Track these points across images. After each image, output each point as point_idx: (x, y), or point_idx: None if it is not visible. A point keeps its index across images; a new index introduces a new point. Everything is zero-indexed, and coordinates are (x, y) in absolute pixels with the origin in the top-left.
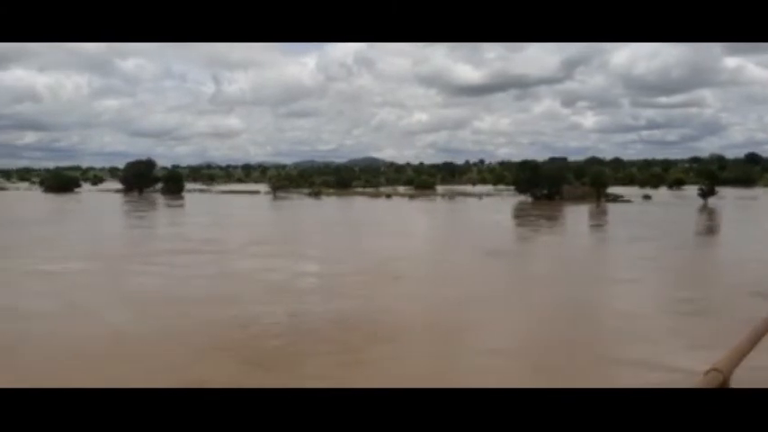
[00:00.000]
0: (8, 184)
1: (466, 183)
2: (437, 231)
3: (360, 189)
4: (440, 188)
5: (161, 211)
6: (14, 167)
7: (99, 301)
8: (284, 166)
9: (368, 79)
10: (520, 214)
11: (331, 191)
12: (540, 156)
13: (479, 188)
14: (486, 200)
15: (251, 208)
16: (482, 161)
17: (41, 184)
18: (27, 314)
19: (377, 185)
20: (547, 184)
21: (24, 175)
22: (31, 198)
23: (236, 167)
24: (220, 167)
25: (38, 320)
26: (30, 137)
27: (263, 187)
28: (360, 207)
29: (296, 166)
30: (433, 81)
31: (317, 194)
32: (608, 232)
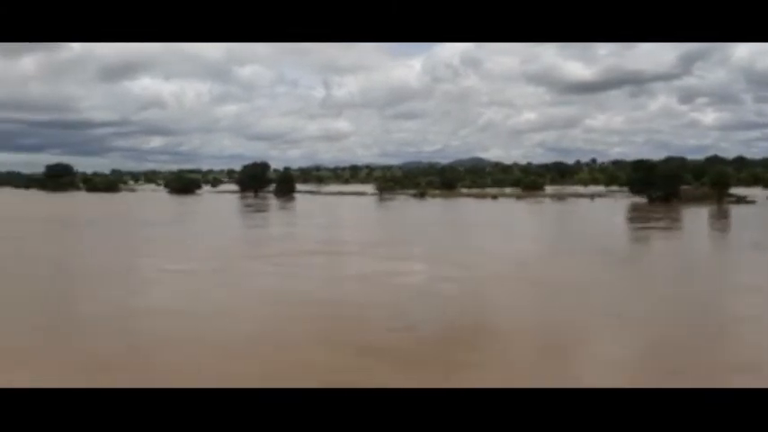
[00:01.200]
0: (136, 186)
1: (576, 183)
2: (554, 234)
3: (465, 190)
4: (549, 189)
5: (277, 212)
6: (142, 170)
7: (245, 302)
8: (390, 167)
9: (474, 79)
10: (636, 216)
11: (436, 192)
12: (656, 155)
13: (591, 189)
14: (598, 201)
15: (360, 209)
16: (594, 161)
17: (166, 185)
18: (177, 314)
19: (482, 186)
20: (663, 185)
21: (150, 177)
22: (157, 199)
23: (343, 169)
24: (329, 169)
25: (185, 320)
26: (155, 141)
27: (369, 188)
28: (468, 208)
29: (402, 167)
30: (541, 79)
31: (422, 195)
32: (733, 236)
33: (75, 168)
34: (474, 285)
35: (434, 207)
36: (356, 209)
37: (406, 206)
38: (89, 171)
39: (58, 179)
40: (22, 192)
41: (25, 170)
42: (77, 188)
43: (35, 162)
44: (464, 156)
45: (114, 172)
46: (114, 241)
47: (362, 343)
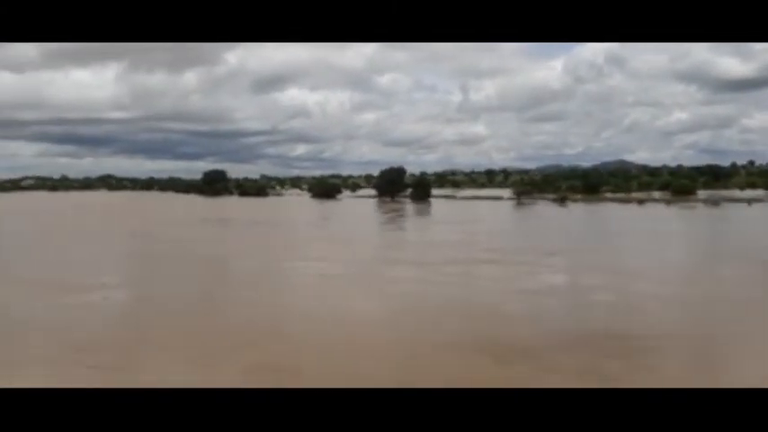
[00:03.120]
0: (283, 191)
1: (732, 187)
2: (715, 243)
3: (609, 194)
4: (701, 193)
5: (415, 217)
6: (288, 176)
7: (439, 312)
8: (528, 171)
9: (619, 78)
10: None
11: (577, 196)
12: None
13: (748, 193)
14: (756, 206)
15: (498, 214)
16: (752, 163)
17: (309, 190)
18: (342, 321)
19: (628, 190)
20: None
21: (295, 182)
22: (301, 203)
23: (479, 173)
24: (465, 173)
25: (351, 327)
26: (301, 149)
27: (506, 192)
28: (614, 213)
29: (540, 170)
30: (692, 77)
31: (562, 200)
32: None
33: (228, 174)
34: (666, 303)
35: (578, 212)
36: (495, 213)
37: (546, 211)
38: (241, 177)
39: (213, 184)
40: (182, 196)
41: (185, 176)
42: (230, 193)
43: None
44: (608, 158)
45: (263, 177)
46: (266, 243)
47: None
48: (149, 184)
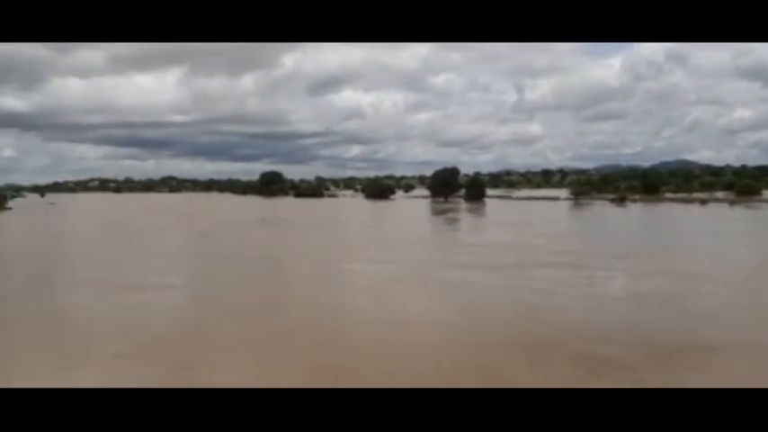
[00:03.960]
0: (337, 192)
1: None
2: None
3: (669, 194)
4: (766, 193)
5: (470, 217)
6: (341, 177)
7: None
8: (585, 171)
9: (680, 76)
10: None
11: (636, 197)
12: None
13: None
14: None
15: (560, 215)
16: None
17: (363, 191)
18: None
19: (689, 190)
20: None
21: (349, 183)
22: (356, 204)
23: (535, 173)
24: (519, 173)
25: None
26: (355, 150)
27: (562, 193)
28: (679, 214)
29: (597, 170)
30: (757, 74)
31: (621, 200)
32: None
33: (284, 176)
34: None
35: (638, 213)
36: (552, 214)
37: (606, 212)
38: (296, 178)
39: (270, 186)
40: (240, 197)
41: (243, 177)
42: (286, 194)
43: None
44: (668, 158)
45: (318, 179)
46: (323, 243)
47: None
48: (209, 186)
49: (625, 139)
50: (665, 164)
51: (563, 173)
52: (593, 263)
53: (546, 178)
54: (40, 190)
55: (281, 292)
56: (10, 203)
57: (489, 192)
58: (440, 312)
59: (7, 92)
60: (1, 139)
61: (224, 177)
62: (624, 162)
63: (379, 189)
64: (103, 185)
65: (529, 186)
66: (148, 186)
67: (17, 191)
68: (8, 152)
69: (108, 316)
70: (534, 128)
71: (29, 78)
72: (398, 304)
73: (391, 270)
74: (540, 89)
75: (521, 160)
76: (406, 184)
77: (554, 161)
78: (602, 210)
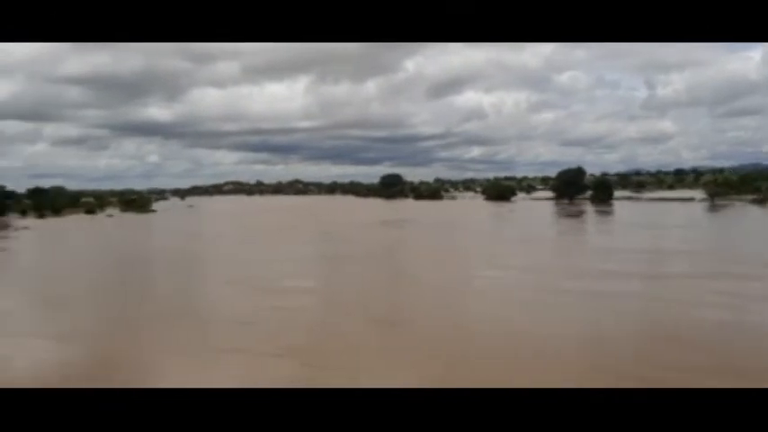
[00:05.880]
0: (456, 194)
1: None
2: None
3: None
4: None
5: (603, 220)
6: (460, 179)
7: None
8: (721, 170)
9: None
10: None
11: None
12: None
13: None
14: None
15: (697, 217)
16: None
17: (483, 192)
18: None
19: None
20: None
21: (469, 185)
22: (477, 206)
23: (666, 173)
24: (650, 173)
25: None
26: (475, 151)
27: (697, 193)
28: None
29: (735, 169)
30: None
31: (762, 201)
32: None
33: (404, 178)
34: None
35: None
36: (689, 216)
37: (748, 214)
38: (415, 180)
39: (390, 188)
40: (361, 199)
41: (364, 180)
42: (406, 196)
43: (372, 173)
44: None
45: (437, 180)
46: (444, 247)
47: None
48: (332, 188)
49: (767, 136)
50: None
51: (697, 172)
52: (756, 272)
53: (678, 178)
54: (181, 193)
55: (413, 298)
56: (154, 206)
57: (617, 193)
58: (608, 332)
59: (153, 103)
60: (146, 146)
61: (346, 180)
62: (766, 161)
63: (499, 190)
64: (236, 189)
65: (660, 187)
66: (277, 189)
67: (160, 194)
68: (153, 158)
69: (253, 318)
70: (666, 125)
71: (171, 90)
72: (555, 319)
73: (527, 278)
74: (673, 84)
75: (651, 159)
76: (528, 186)
77: (687, 160)
78: (743, 211)
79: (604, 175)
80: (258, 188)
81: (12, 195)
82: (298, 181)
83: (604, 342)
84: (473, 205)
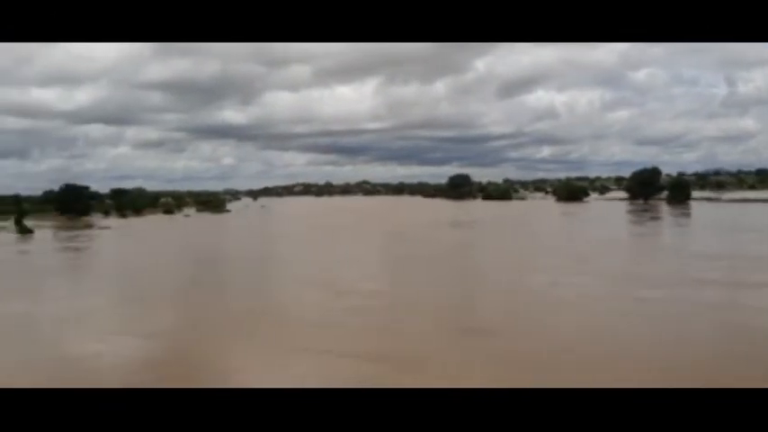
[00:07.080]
0: (526, 194)
1: None
2: None
3: None
4: None
5: (683, 223)
6: (531, 179)
7: None
8: None
9: None
10: None
11: None
12: None
13: None
14: None
15: None
16: None
17: (553, 193)
18: None
19: None
20: None
21: (539, 185)
22: (547, 207)
23: (747, 173)
24: (730, 173)
25: None
26: (545, 151)
27: None
28: None
29: None
30: None
31: None
32: None
33: (472, 178)
34: None
35: None
36: None
37: None
38: (484, 180)
39: (458, 188)
40: (429, 200)
41: (431, 180)
42: (474, 196)
43: (439, 173)
44: None
45: (506, 181)
46: (514, 250)
47: None
48: (400, 189)
49: None
50: None
51: None
52: None
53: (760, 178)
54: (253, 194)
55: (475, 301)
56: (228, 206)
57: (695, 193)
58: (715, 346)
59: (228, 106)
60: (222, 148)
61: (414, 181)
62: None
63: (570, 191)
64: (306, 190)
65: (740, 187)
66: (345, 190)
67: (234, 195)
68: (228, 160)
69: (328, 320)
70: (748, 123)
71: (246, 94)
72: (654, 331)
73: (610, 285)
74: (755, 81)
75: (731, 159)
76: (601, 186)
77: None
78: None
79: (681, 175)
80: (327, 189)
81: (95, 196)
82: (365, 182)
83: (719, 359)
84: (544, 206)
